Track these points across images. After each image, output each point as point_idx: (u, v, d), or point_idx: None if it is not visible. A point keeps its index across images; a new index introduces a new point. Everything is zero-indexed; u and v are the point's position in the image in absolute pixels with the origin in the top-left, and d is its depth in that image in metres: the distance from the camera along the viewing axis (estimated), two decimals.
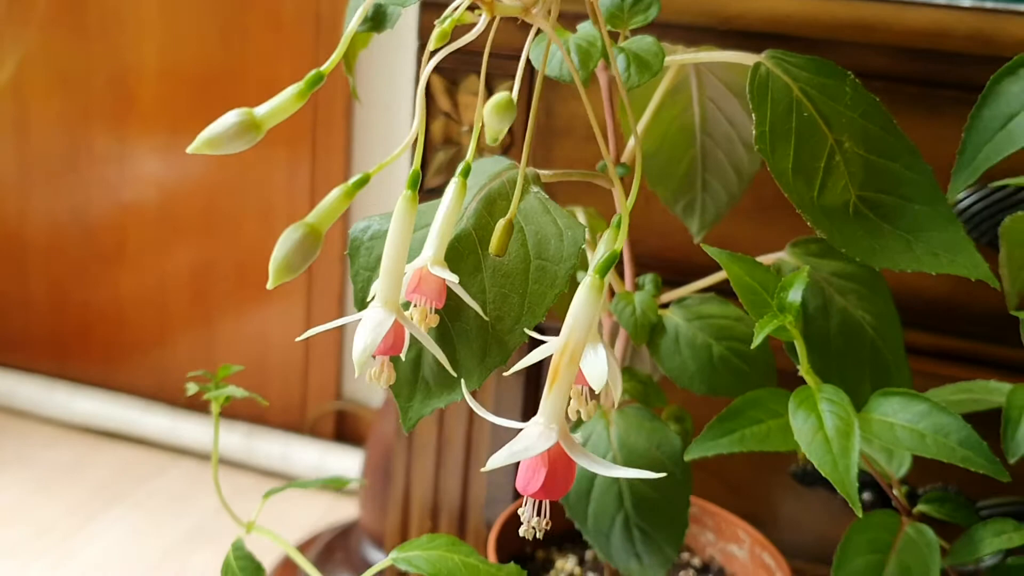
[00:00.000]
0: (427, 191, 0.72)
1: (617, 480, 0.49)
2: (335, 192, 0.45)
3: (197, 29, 1.44)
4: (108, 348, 1.63)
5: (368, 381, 0.43)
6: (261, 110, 0.44)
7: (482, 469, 0.40)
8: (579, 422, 0.52)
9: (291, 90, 0.44)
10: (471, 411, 0.74)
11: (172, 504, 1.43)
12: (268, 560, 1.25)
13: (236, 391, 0.62)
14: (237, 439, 1.51)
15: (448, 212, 0.44)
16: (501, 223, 0.42)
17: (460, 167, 0.45)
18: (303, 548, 1.27)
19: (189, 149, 0.43)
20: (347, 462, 1.46)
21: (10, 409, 1.66)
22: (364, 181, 0.45)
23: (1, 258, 1.65)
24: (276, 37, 1.42)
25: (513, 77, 0.68)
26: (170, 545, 1.34)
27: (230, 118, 0.43)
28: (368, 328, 0.40)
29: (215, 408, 0.62)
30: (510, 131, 0.69)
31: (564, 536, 0.62)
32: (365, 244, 0.43)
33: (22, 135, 1.58)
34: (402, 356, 0.44)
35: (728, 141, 0.54)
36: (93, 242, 1.59)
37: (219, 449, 1.51)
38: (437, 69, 0.72)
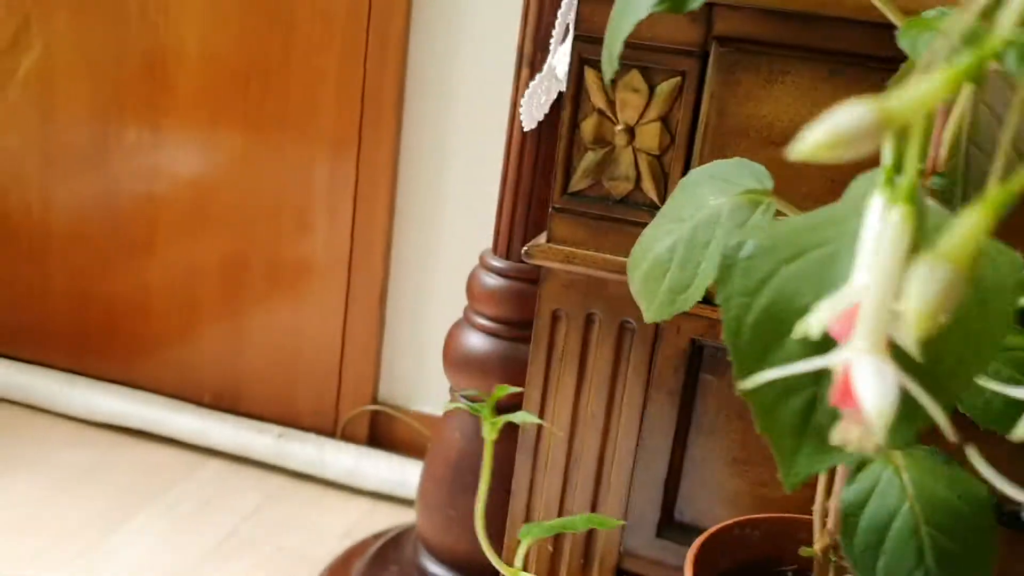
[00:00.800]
0: (570, 194, 0.65)
1: (917, 533, 0.42)
2: (972, 216, 0.30)
3: (242, 15, 1.36)
4: (132, 343, 1.54)
5: (840, 444, 0.32)
6: (896, 102, 0.30)
7: None
8: (859, 464, 0.45)
9: (941, 76, 0.30)
10: (606, 426, 0.68)
11: (202, 509, 1.35)
12: (310, 566, 1.17)
13: None
14: (268, 441, 1.42)
15: (895, 242, 0.33)
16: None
17: (901, 189, 0.32)
18: (350, 555, 1.19)
19: (796, 155, 0.30)
20: (383, 468, 1.39)
21: (28, 405, 1.56)
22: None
23: (22, 247, 1.55)
24: (325, 28, 1.34)
25: (677, 73, 0.62)
26: (202, 554, 1.26)
27: (856, 113, 0.29)
28: (876, 378, 0.30)
29: None
30: (668, 130, 0.63)
31: (760, 566, 0.56)
32: (741, 265, 0.35)
33: (48, 120, 1.48)
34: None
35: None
36: (120, 233, 1.50)
37: (249, 451, 1.43)
38: (592, 63, 0.66)
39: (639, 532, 0.67)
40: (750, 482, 0.64)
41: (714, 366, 0.63)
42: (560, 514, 0.70)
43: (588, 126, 0.64)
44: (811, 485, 0.62)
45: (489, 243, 1.35)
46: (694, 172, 0.47)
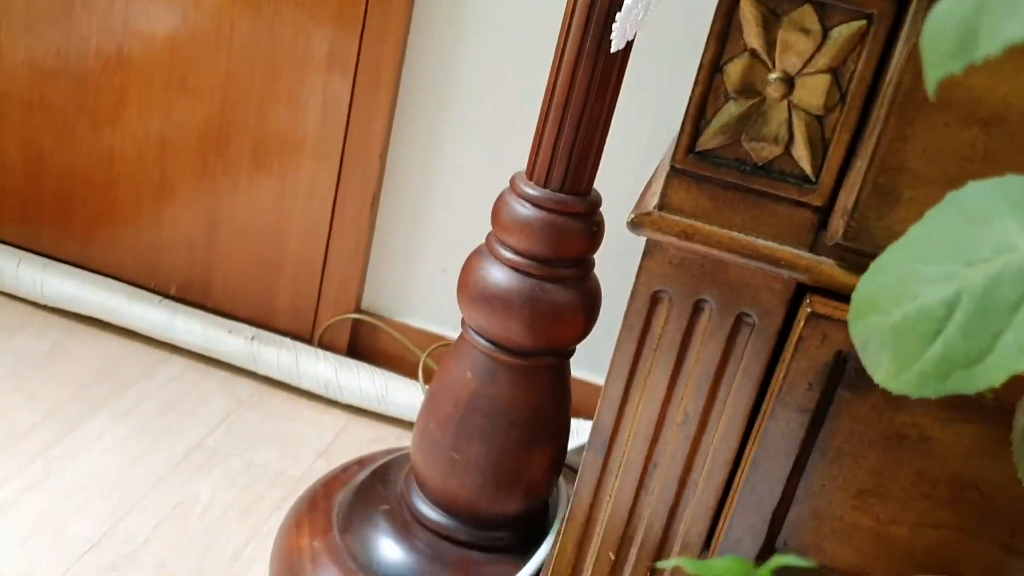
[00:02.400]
0: (698, 153, 0.50)
1: None
2: None
3: None
4: (92, 222, 1.35)
5: None
6: None
7: None
8: None
9: None
10: (699, 434, 0.55)
11: (165, 413, 1.20)
12: (285, 486, 1.04)
13: None
14: (240, 342, 1.27)
15: None
16: None
17: None
18: (332, 484, 1.06)
19: None
20: (364, 381, 1.25)
21: None
22: None
23: None
24: None
25: (862, 15, 0.46)
26: (167, 466, 1.12)
27: None
28: None
29: None
30: (839, 86, 0.47)
31: None
32: None
33: None
34: None
35: None
36: (84, 97, 1.30)
37: (218, 352, 1.28)
38: None
39: (745, 545, 0.55)
40: (875, 518, 0.53)
41: (856, 383, 0.50)
42: (629, 523, 0.58)
43: (735, 69, 0.49)
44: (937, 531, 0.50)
45: (507, 153, 1.19)
46: (977, 188, 0.33)
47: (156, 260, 1.34)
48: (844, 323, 0.48)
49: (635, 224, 0.51)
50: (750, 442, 0.53)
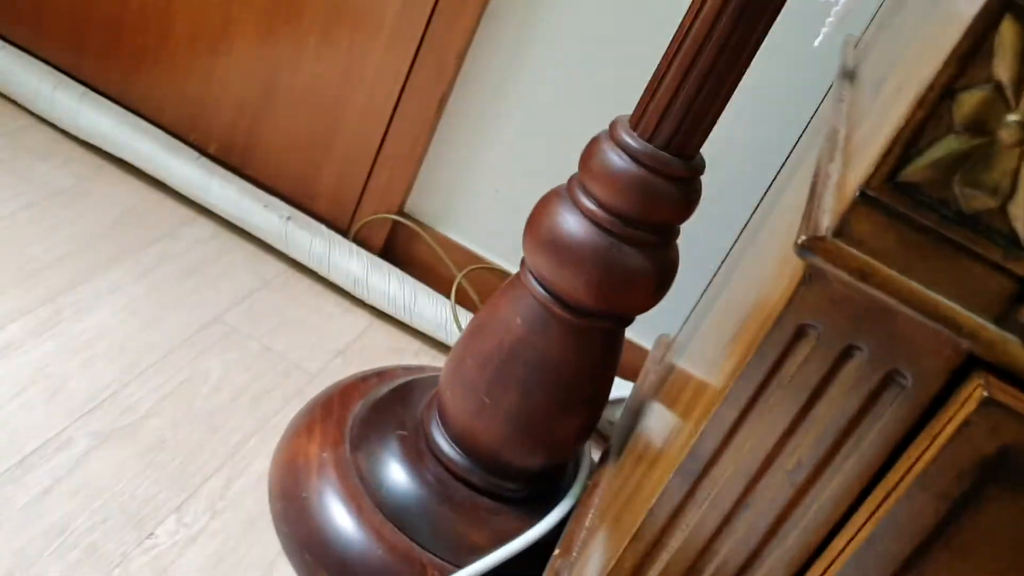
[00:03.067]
0: (898, 183, 0.42)
1: None
2: None
3: None
4: (139, 58, 1.25)
5: None
6: None
7: None
8: None
9: None
10: (805, 487, 0.48)
11: (186, 279, 1.13)
12: (299, 379, 0.98)
13: None
14: (274, 219, 1.19)
15: None
16: None
17: None
18: (349, 392, 1.00)
19: None
20: (394, 285, 1.18)
21: (7, 95, 1.28)
22: None
23: None
24: None
25: None
26: (180, 336, 1.05)
27: None
28: None
29: None
30: None
31: None
32: None
33: None
34: None
35: None
36: None
37: (249, 224, 1.20)
38: (1020, 11, 0.42)
39: None
40: None
41: (1015, 481, 0.43)
42: (700, 557, 0.52)
43: (969, 100, 0.40)
44: None
45: (589, 90, 1.09)
46: None
47: (200, 113, 1.25)
48: (1021, 415, 0.42)
49: (805, 248, 0.44)
50: (865, 514, 0.47)
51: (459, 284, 1.20)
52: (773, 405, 0.48)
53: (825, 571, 0.49)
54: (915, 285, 0.43)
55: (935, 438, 0.45)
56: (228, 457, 0.94)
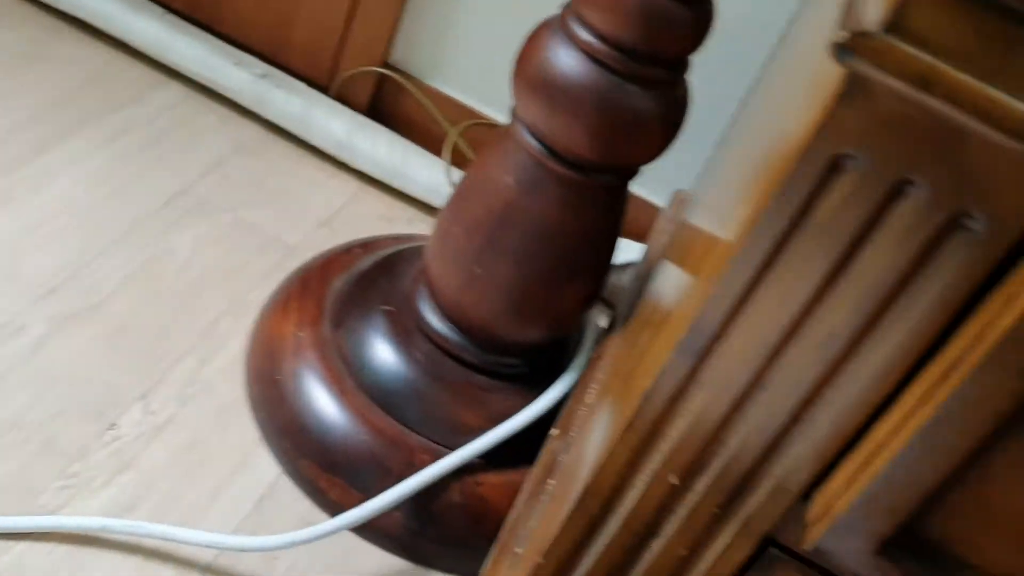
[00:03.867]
0: None
1: None
2: None
3: None
4: None
5: None
6: None
7: None
8: None
9: None
10: (840, 361, 0.38)
11: (153, 145, 1.02)
12: (276, 253, 0.87)
13: None
14: (246, 77, 1.07)
15: None
16: None
17: None
18: (330, 265, 0.90)
19: None
20: (382, 146, 1.06)
21: None
22: None
23: None
24: None
25: None
26: (147, 209, 0.95)
27: None
28: None
29: None
30: None
31: None
32: None
33: None
34: None
35: None
36: None
37: (220, 85, 1.08)
38: None
39: (845, 535, 0.40)
40: None
41: None
42: (707, 448, 0.42)
43: None
44: None
45: None
46: None
47: None
48: None
49: (846, 49, 0.32)
50: (917, 395, 0.37)
51: (454, 143, 1.08)
52: (799, 262, 0.37)
53: (863, 466, 0.39)
54: (997, 94, 0.32)
55: (1013, 299, 0.34)
56: (199, 339, 0.85)
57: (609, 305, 0.97)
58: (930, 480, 0.37)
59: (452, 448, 0.77)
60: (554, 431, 0.74)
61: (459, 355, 0.80)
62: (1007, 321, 0.33)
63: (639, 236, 1.03)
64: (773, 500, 0.42)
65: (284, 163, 1.06)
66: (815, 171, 0.35)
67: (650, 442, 0.43)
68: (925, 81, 0.32)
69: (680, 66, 0.69)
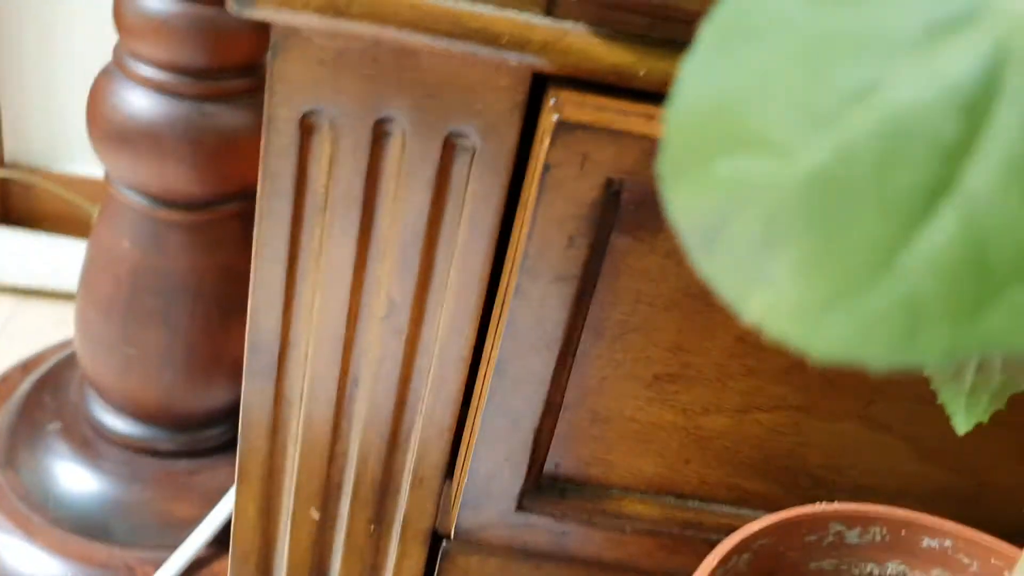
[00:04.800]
0: None
1: None
2: None
3: None
4: None
5: None
6: None
7: None
8: None
9: None
10: (415, 326, 0.34)
11: None
12: None
13: None
14: None
15: None
16: None
17: None
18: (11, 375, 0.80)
19: None
20: (31, 256, 0.96)
21: None
22: None
23: None
24: None
25: None
26: None
27: None
28: None
29: None
30: None
31: None
32: None
33: None
34: None
35: None
36: None
37: None
38: None
39: (487, 501, 0.37)
40: (681, 410, 0.35)
41: (639, 223, 0.30)
42: (331, 465, 0.38)
43: None
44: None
45: None
46: None
47: None
48: (614, 133, 0.28)
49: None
50: (491, 331, 0.34)
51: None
52: (321, 240, 0.33)
53: (471, 428, 0.36)
54: (422, 1, 0.29)
55: (528, 205, 0.31)
56: None
57: None
58: (529, 418, 0.34)
59: (174, 548, 0.70)
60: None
61: (151, 448, 0.72)
62: (524, 229, 0.31)
63: None
64: (419, 494, 0.39)
65: None
66: (289, 141, 0.32)
67: (272, 485, 0.39)
68: (336, 7, 0.29)
69: (260, 69, 0.65)
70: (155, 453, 0.72)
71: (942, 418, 0.31)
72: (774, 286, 0.14)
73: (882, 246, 0.13)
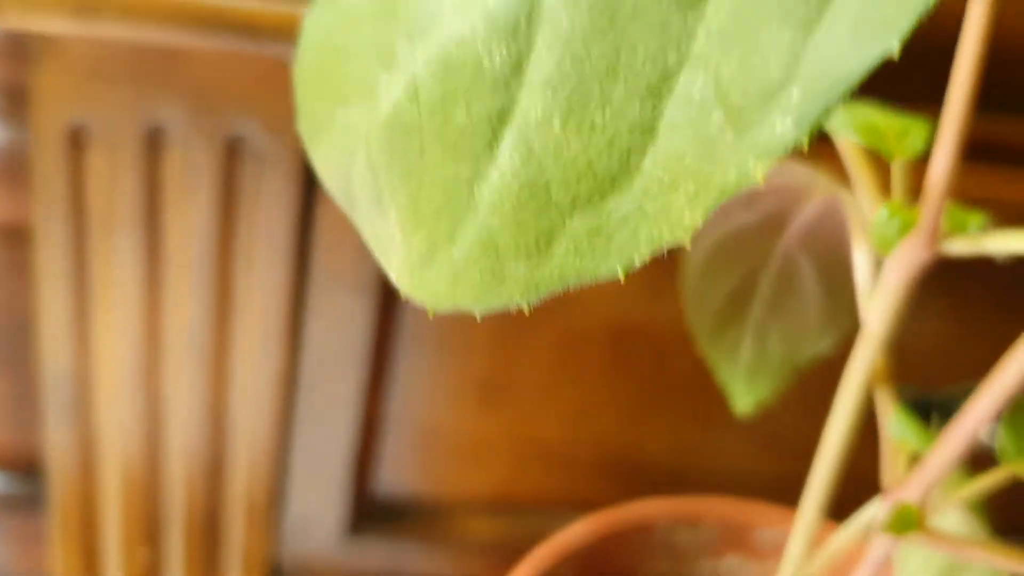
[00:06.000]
0: None
1: None
2: None
3: None
4: None
5: None
6: None
7: None
8: None
9: None
10: (220, 345, 0.34)
11: None
12: None
13: None
14: None
15: None
16: None
17: None
18: None
19: None
20: None
21: None
22: None
23: None
24: None
25: None
26: None
27: None
28: None
29: None
30: None
31: None
32: None
33: None
34: None
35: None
36: None
37: None
38: None
39: (314, 532, 0.36)
40: (507, 419, 0.34)
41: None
42: (152, 492, 0.36)
43: None
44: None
45: None
46: None
47: None
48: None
49: None
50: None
51: None
52: (107, 267, 0.32)
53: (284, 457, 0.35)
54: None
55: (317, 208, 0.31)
56: None
57: None
58: (345, 442, 0.34)
59: None
60: None
61: None
62: (312, 238, 0.30)
63: None
64: (252, 522, 0.38)
65: None
66: (58, 158, 0.31)
67: (90, 530, 0.37)
68: (89, 7, 0.28)
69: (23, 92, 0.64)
70: None
71: (778, 407, 0.31)
72: (395, 243, 0.14)
73: (460, 186, 0.13)
